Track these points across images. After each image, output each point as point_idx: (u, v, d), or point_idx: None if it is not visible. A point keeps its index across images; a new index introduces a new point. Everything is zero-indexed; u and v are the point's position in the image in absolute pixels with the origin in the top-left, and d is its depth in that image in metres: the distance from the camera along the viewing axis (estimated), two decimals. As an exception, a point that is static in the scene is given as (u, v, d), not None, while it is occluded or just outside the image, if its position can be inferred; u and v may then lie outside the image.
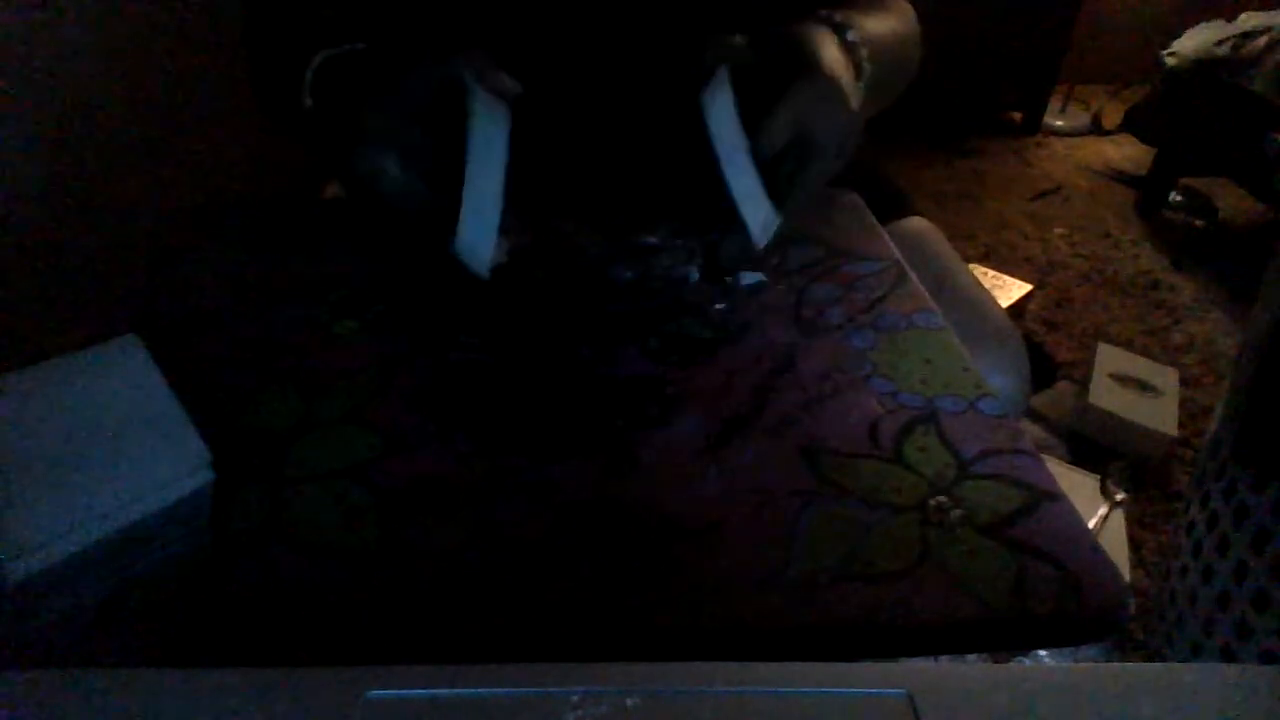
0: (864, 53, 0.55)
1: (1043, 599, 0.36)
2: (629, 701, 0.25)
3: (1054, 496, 0.42)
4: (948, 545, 0.39)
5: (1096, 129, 2.75)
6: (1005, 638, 0.37)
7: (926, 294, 0.57)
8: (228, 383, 0.49)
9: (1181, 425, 1.47)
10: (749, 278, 0.58)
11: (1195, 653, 0.94)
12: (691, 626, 0.36)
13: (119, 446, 0.38)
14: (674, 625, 0.36)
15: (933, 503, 0.41)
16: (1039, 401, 1.55)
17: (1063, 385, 1.61)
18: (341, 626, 0.36)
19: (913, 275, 0.59)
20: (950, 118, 2.73)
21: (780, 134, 0.48)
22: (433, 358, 0.51)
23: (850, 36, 0.54)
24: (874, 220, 0.66)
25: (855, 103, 0.51)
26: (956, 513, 0.41)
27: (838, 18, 0.55)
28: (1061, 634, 0.37)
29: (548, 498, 0.42)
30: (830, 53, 0.51)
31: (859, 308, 0.56)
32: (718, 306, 0.56)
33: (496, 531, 0.40)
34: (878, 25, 0.59)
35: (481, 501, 0.41)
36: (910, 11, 0.69)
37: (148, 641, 0.35)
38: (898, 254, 0.62)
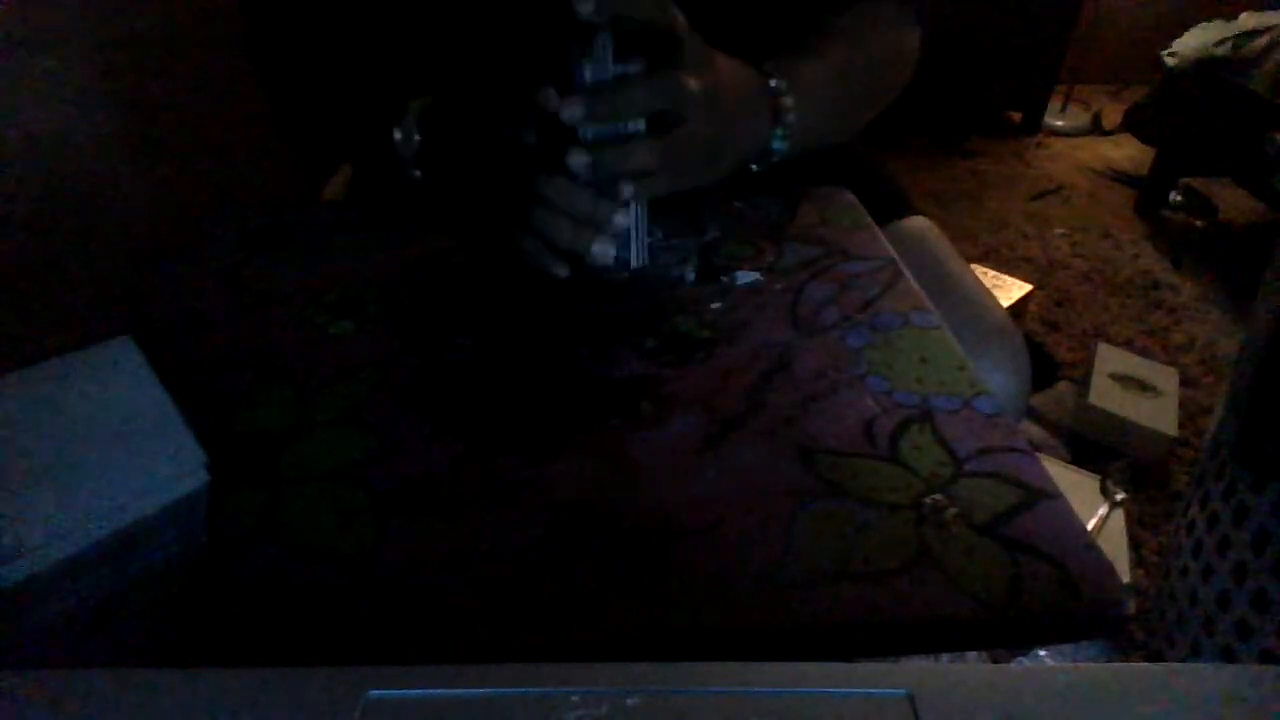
0: (788, 102, 0.57)
1: (1038, 596, 0.36)
2: (629, 701, 0.25)
3: (1049, 494, 0.41)
4: (944, 544, 0.39)
5: (1096, 129, 2.75)
6: (1001, 636, 0.37)
7: (922, 293, 0.57)
8: (223, 385, 0.49)
9: (1181, 425, 1.46)
10: (745, 277, 0.58)
11: (1195, 653, 0.94)
12: (687, 627, 0.36)
13: (114, 449, 0.38)
14: (670, 626, 0.36)
15: (928, 501, 0.41)
16: (1039, 401, 1.55)
17: (1063, 385, 1.61)
18: (337, 628, 0.36)
19: (908, 274, 0.59)
20: (950, 118, 2.73)
21: None
22: (428, 358, 0.51)
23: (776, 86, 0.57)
24: (869, 219, 0.66)
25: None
26: (952, 511, 0.41)
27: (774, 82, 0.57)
28: (1057, 631, 0.37)
29: (543, 498, 0.41)
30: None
31: (854, 307, 0.56)
32: (714, 306, 0.55)
33: (492, 532, 0.40)
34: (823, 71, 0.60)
35: (477, 502, 0.41)
36: (900, 39, 0.68)
37: (146, 642, 0.35)
38: (893, 253, 0.62)
